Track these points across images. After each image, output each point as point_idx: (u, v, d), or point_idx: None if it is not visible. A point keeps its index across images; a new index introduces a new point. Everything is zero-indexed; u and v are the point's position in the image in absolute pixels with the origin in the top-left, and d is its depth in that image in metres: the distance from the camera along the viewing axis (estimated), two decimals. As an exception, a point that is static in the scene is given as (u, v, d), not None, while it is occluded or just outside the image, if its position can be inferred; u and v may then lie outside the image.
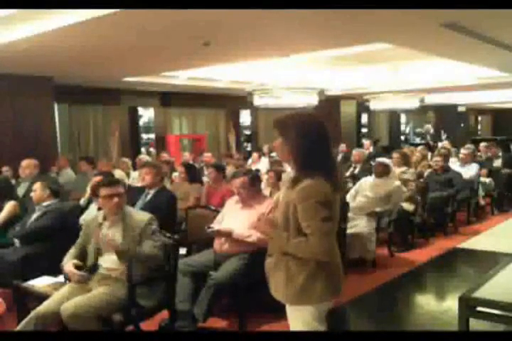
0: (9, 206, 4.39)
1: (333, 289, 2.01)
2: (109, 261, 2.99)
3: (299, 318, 2.02)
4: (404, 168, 5.98)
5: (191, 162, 8.53)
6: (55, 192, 4.09)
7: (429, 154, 8.96)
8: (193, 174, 5.53)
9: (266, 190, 4.68)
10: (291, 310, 2.05)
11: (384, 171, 5.07)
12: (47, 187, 4.03)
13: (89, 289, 2.90)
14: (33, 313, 2.74)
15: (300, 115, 2.06)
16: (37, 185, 4.05)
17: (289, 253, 1.97)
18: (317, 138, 1.97)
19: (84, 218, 4.52)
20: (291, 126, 1.98)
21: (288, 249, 1.96)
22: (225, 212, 3.69)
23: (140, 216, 3.08)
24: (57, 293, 2.88)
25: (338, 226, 2.06)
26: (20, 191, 5.26)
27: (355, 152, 7.77)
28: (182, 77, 8.33)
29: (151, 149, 10.23)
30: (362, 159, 7.41)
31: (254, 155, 9.00)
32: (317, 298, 1.97)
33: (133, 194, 4.58)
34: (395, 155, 6.17)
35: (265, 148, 9.64)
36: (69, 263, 2.98)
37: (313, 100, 7.70)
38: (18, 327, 2.74)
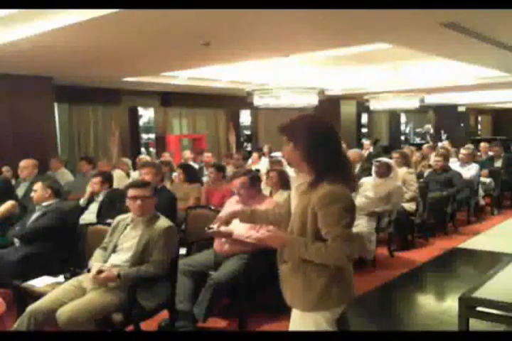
0: (7, 204, 4.39)
1: (348, 293, 2.00)
2: (117, 259, 3.02)
3: (311, 323, 1.98)
4: (408, 169, 5.96)
5: (191, 161, 8.55)
6: (57, 192, 4.09)
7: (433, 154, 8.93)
8: (191, 174, 5.50)
9: (266, 190, 4.67)
10: (304, 316, 2.00)
11: (387, 171, 5.06)
12: (48, 187, 4.03)
13: (84, 289, 2.91)
14: (27, 310, 2.75)
15: (308, 117, 2.03)
16: (38, 185, 4.04)
17: (308, 260, 1.93)
18: (329, 140, 1.94)
19: (84, 218, 4.53)
20: (301, 130, 1.93)
21: (307, 256, 1.91)
22: (225, 212, 3.68)
23: (162, 223, 3.06)
24: (52, 293, 2.89)
25: None
26: (20, 191, 5.27)
27: (351, 153, 7.73)
28: (182, 77, 8.33)
29: (151, 149, 10.24)
30: (359, 159, 7.38)
31: (254, 155, 9.00)
32: (334, 304, 1.97)
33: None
34: (395, 155, 6.16)
35: (265, 148, 9.63)
36: (94, 266, 2.92)
37: (313, 100, 7.70)
38: (14, 325, 2.75)
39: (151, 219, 3.08)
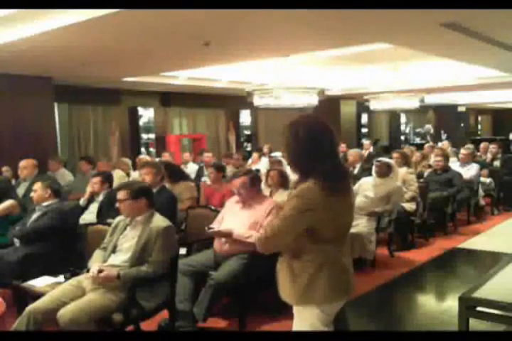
0: (6, 203, 4.39)
1: (338, 290, 2.00)
2: (116, 260, 3.01)
3: (304, 320, 2.02)
4: (408, 169, 5.95)
5: (191, 162, 8.55)
6: (57, 192, 4.09)
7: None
8: (173, 173, 5.20)
9: (266, 190, 4.67)
10: (297, 311, 2.05)
11: (387, 171, 5.06)
12: (48, 187, 4.03)
13: (84, 289, 2.90)
14: (26, 310, 2.75)
15: (297, 118, 2.04)
16: (38, 185, 4.04)
17: (293, 254, 2.00)
18: (317, 142, 1.93)
19: (84, 218, 4.53)
20: (289, 131, 1.98)
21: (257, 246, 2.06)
22: (225, 212, 3.69)
23: (159, 222, 3.06)
24: (51, 293, 2.88)
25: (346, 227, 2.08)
26: (20, 191, 5.26)
27: (351, 152, 7.74)
28: (182, 77, 8.33)
29: (151, 149, 10.24)
30: (358, 159, 7.39)
31: (254, 155, 9.00)
32: (320, 298, 1.97)
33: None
34: (395, 155, 6.16)
35: (265, 148, 9.63)
36: (94, 266, 2.92)
37: (313, 100, 7.69)
38: (13, 326, 2.75)
39: (147, 219, 3.08)
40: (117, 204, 3.16)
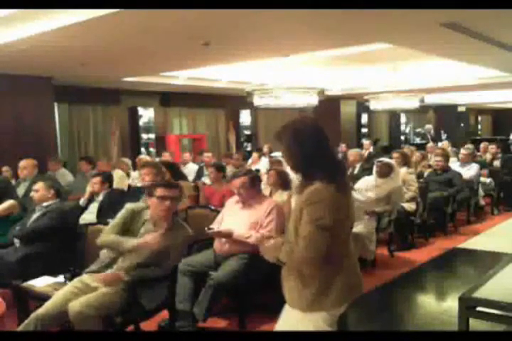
0: (6, 203, 4.38)
1: (350, 294, 1.98)
2: (126, 262, 2.99)
3: (309, 324, 1.97)
4: (408, 169, 5.95)
5: (191, 162, 8.54)
6: (57, 192, 4.09)
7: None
8: (176, 172, 5.25)
9: (266, 190, 4.67)
10: (301, 316, 1.99)
11: (388, 171, 5.06)
12: (51, 188, 4.02)
13: (93, 288, 2.87)
14: (32, 316, 2.70)
15: (293, 122, 2.05)
16: (39, 185, 4.03)
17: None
18: (311, 142, 1.94)
19: (84, 218, 4.53)
20: (285, 134, 1.99)
21: (281, 257, 1.95)
22: (225, 212, 3.69)
23: (186, 229, 3.09)
24: (57, 295, 2.84)
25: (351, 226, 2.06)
26: (20, 191, 5.26)
27: (351, 152, 7.73)
28: (182, 77, 8.33)
29: (151, 149, 10.24)
30: (359, 159, 7.38)
31: (254, 155, 8.99)
32: (331, 304, 1.94)
33: (133, 194, 4.58)
34: (395, 155, 6.15)
35: (265, 148, 9.63)
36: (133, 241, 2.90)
37: (313, 100, 7.70)
38: (19, 329, 2.72)
39: (174, 224, 3.04)
40: (154, 202, 2.98)
